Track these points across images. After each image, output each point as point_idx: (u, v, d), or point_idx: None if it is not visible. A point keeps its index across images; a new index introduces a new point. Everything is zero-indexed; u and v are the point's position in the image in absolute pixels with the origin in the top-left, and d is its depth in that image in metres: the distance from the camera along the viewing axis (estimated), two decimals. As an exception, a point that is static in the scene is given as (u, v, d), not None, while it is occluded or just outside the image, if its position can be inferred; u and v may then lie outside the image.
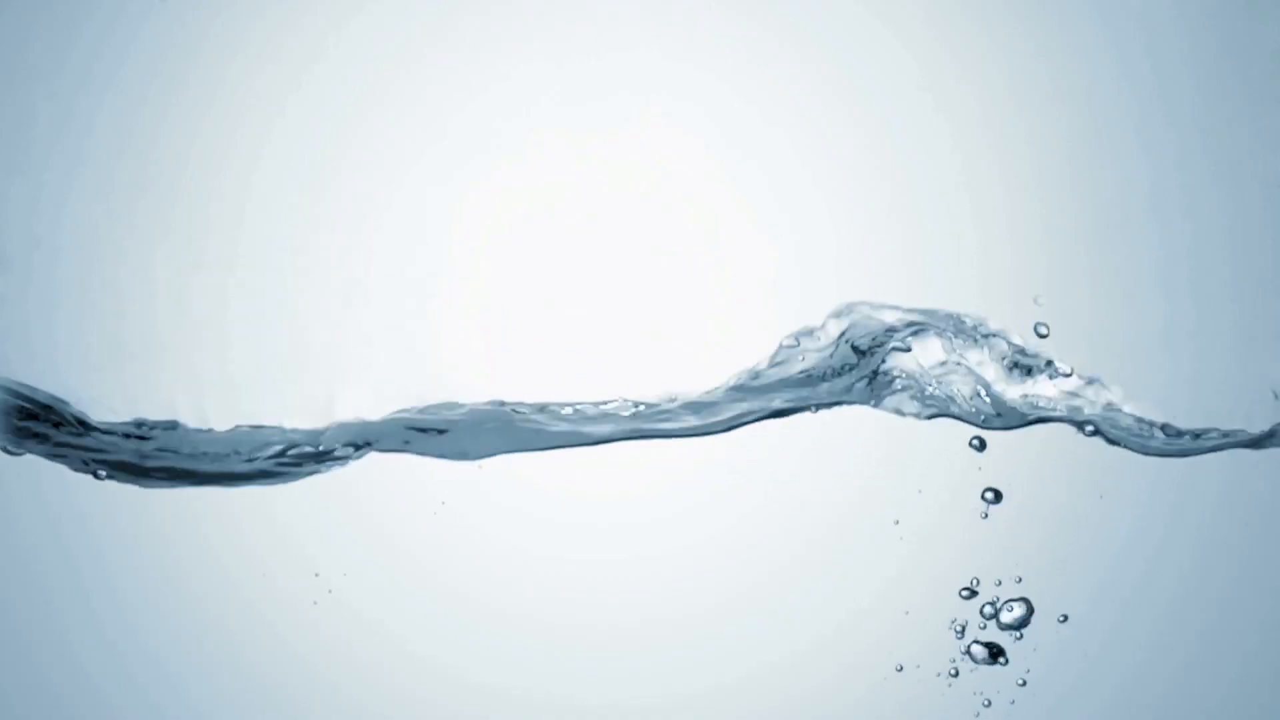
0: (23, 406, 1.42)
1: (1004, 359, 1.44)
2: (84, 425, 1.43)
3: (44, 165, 1.44)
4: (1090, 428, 1.46)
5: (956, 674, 1.53)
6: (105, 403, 1.44)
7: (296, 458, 1.45)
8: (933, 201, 1.46)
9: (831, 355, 1.43)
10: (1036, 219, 1.47)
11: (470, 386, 1.44)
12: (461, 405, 1.44)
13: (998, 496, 1.48)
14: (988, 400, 1.45)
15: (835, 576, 1.54)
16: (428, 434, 1.44)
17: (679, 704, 1.54)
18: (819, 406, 1.45)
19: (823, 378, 1.43)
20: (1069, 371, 1.44)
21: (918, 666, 1.53)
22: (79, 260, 1.45)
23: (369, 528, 1.53)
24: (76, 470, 1.45)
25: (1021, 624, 1.49)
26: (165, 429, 1.43)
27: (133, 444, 1.44)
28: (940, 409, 1.46)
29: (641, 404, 1.44)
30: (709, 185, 1.47)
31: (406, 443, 1.45)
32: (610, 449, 1.49)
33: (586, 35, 1.45)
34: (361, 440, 1.44)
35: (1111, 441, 1.47)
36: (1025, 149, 1.47)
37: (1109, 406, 1.45)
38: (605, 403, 1.45)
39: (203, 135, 1.45)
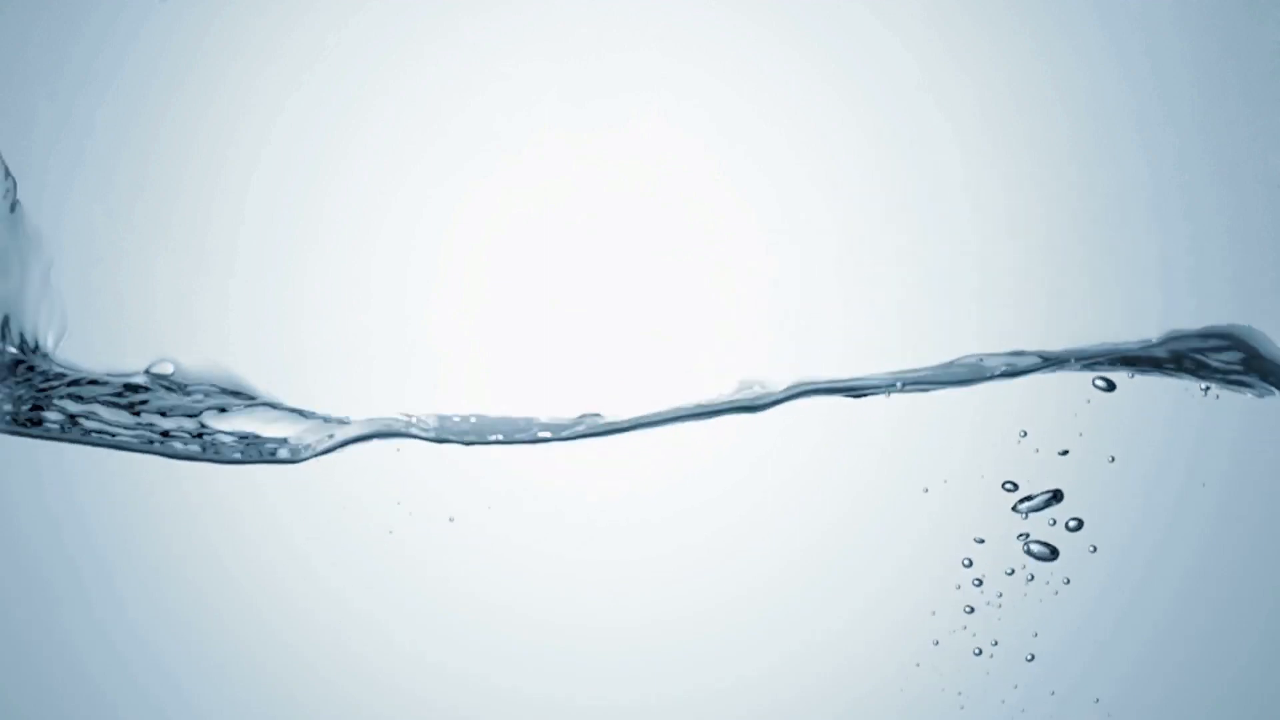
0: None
1: None
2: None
3: (44, 165, 1.44)
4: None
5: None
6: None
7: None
8: (931, 201, 1.46)
9: None
10: (1037, 218, 1.47)
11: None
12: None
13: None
14: None
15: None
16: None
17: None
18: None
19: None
20: None
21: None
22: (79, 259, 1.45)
23: (369, 525, 1.53)
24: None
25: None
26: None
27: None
28: None
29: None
30: (710, 185, 1.47)
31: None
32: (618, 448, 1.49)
33: (586, 37, 1.45)
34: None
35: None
36: (1025, 149, 1.46)
37: None
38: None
39: (206, 134, 1.45)
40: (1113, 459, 1.50)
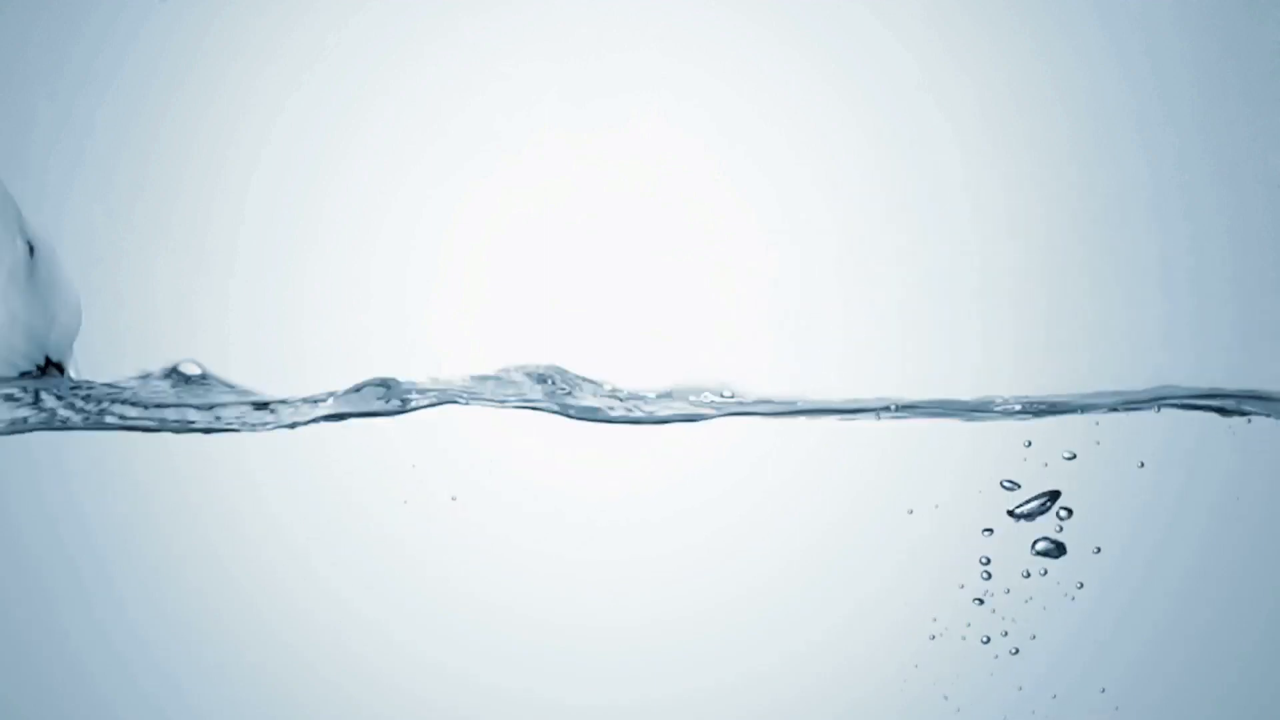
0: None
1: None
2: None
3: (44, 165, 1.45)
4: None
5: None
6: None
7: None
8: (931, 201, 1.46)
9: None
10: (1036, 218, 1.47)
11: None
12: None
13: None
14: None
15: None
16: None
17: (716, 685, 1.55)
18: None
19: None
20: None
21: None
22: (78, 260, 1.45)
23: (369, 523, 1.53)
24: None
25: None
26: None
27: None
28: None
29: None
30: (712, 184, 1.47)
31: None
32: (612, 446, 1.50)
33: (588, 36, 1.45)
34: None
35: None
36: (1025, 149, 1.47)
37: None
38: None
39: (206, 134, 1.45)
40: (1141, 464, 1.50)
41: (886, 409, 1.46)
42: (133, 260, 1.46)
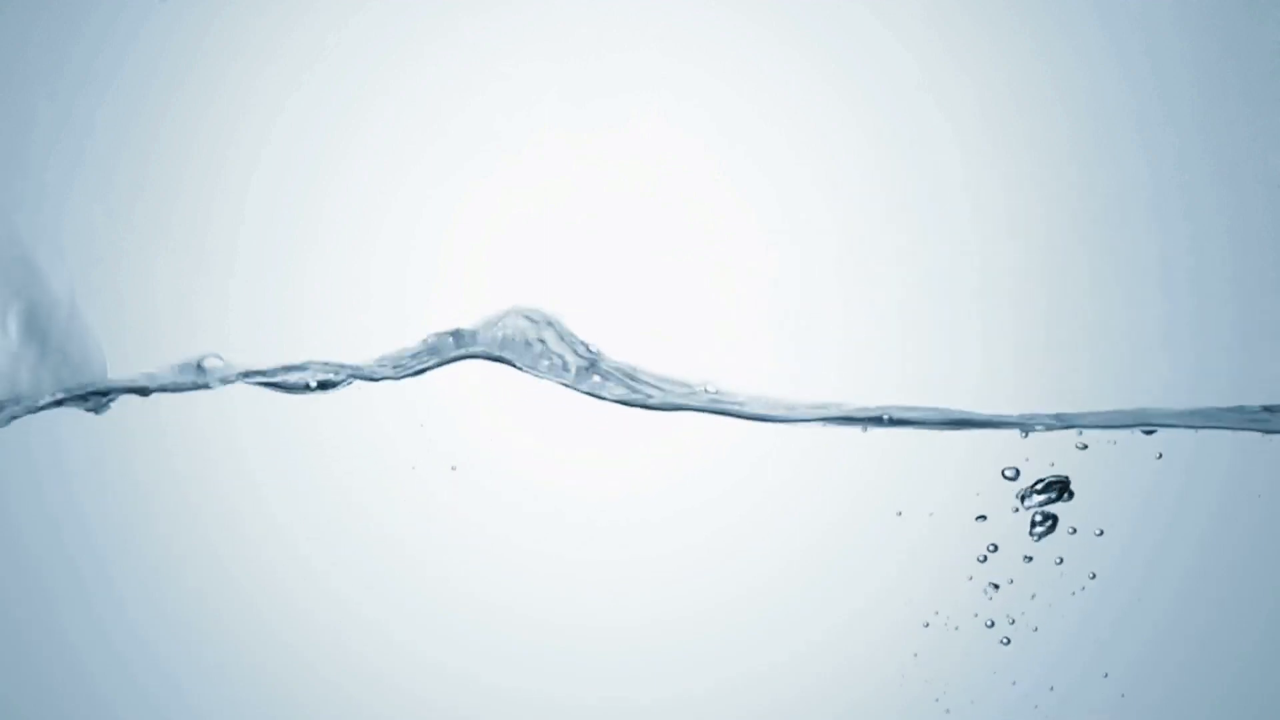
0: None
1: None
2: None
3: (44, 165, 1.45)
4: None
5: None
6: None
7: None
8: (931, 200, 1.46)
9: None
10: (1036, 218, 1.47)
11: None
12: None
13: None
14: None
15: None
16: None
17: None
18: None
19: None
20: None
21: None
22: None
23: (371, 523, 1.53)
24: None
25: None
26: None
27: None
28: None
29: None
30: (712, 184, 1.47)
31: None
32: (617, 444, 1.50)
33: (589, 35, 1.45)
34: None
35: None
36: (1025, 149, 1.46)
37: None
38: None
39: (206, 134, 1.45)
40: (1160, 456, 1.50)
41: (879, 419, 1.46)
42: (133, 260, 1.46)
